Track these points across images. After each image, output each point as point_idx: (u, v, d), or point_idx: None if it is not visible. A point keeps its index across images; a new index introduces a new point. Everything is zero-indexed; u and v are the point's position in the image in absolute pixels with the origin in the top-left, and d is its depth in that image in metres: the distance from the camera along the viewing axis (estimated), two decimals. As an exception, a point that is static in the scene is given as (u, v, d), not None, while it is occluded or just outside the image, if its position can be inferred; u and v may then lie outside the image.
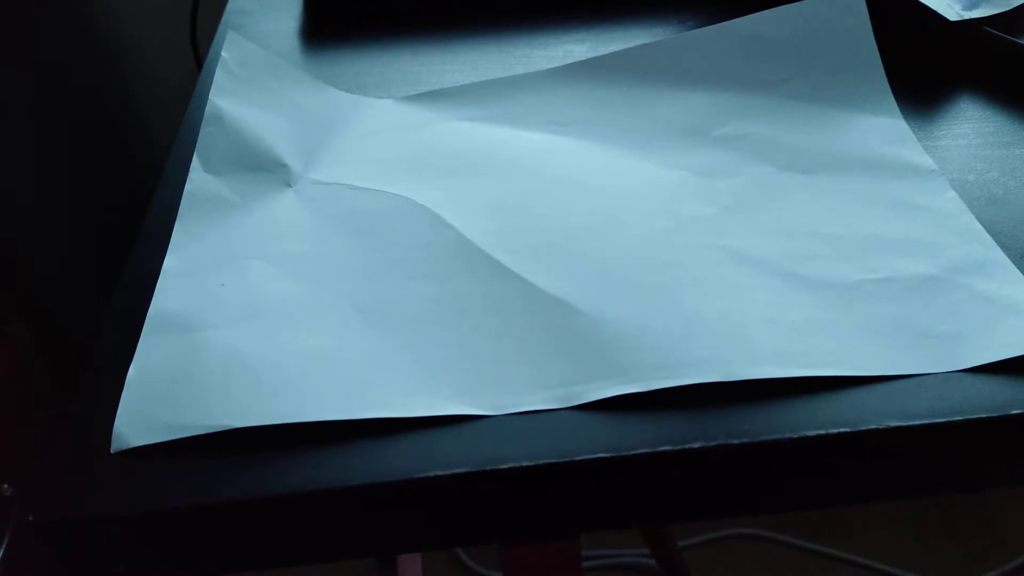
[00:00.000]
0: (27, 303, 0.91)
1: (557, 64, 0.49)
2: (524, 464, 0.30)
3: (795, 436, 0.30)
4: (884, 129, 0.43)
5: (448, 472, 0.30)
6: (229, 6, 0.60)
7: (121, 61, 1.06)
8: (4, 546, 0.75)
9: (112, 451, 0.31)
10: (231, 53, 0.48)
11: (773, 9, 0.47)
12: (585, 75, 0.48)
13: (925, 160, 0.41)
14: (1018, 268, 0.35)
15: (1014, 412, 0.30)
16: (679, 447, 0.30)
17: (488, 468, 0.30)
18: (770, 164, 0.42)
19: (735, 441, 0.30)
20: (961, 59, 0.48)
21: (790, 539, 1.14)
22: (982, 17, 0.47)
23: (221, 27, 0.57)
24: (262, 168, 0.43)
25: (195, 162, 0.43)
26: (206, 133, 0.44)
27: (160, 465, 0.30)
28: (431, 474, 0.30)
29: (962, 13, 0.47)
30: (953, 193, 0.39)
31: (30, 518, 0.29)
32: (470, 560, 1.14)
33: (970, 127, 0.44)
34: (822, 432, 0.30)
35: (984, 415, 0.30)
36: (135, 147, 1.13)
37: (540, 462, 0.30)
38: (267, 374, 0.33)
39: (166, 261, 0.38)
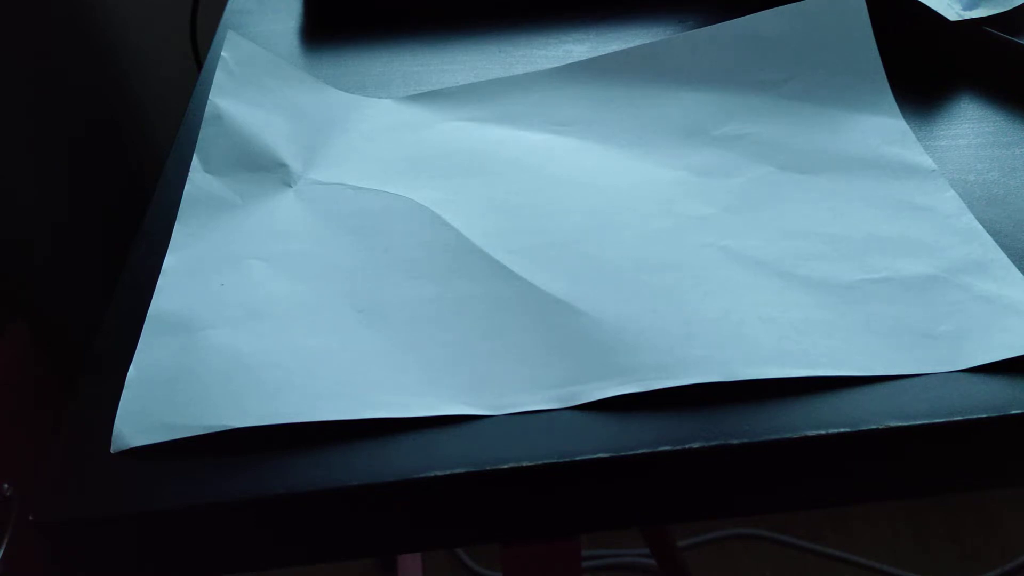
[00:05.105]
0: (27, 303, 0.91)
1: (557, 64, 0.49)
2: (524, 464, 0.30)
3: (795, 436, 0.30)
4: (884, 129, 0.43)
5: (448, 472, 0.30)
6: (229, 6, 0.60)
7: (121, 61, 1.06)
8: (4, 546, 0.75)
9: (112, 451, 0.31)
10: (231, 53, 0.48)
11: (773, 9, 0.47)
12: (585, 75, 0.48)
13: (925, 160, 0.41)
14: (1018, 268, 0.35)
15: (1014, 412, 0.30)
16: (679, 447, 0.30)
17: (488, 468, 0.30)
18: (770, 164, 0.42)
19: (735, 441, 0.30)
20: (961, 59, 0.48)
21: (790, 539, 1.14)
22: (982, 17, 0.47)
23: (221, 27, 0.57)
24: (262, 168, 0.43)
25: (195, 162, 0.43)
26: (206, 133, 0.44)
27: (160, 465, 0.30)
28: (431, 474, 0.30)
29: (962, 13, 0.47)
30: (953, 193, 0.39)
31: (30, 518, 0.29)
32: (470, 560, 1.14)
33: (970, 127, 0.44)
34: (822, 432, 0.30)
35: (984, 415, 0.30)
36: (135, 147, 1.13)
37: (540, 462, 0.30)
38: (267, 374, 0.33)
39: (166, 261, 0.38)
